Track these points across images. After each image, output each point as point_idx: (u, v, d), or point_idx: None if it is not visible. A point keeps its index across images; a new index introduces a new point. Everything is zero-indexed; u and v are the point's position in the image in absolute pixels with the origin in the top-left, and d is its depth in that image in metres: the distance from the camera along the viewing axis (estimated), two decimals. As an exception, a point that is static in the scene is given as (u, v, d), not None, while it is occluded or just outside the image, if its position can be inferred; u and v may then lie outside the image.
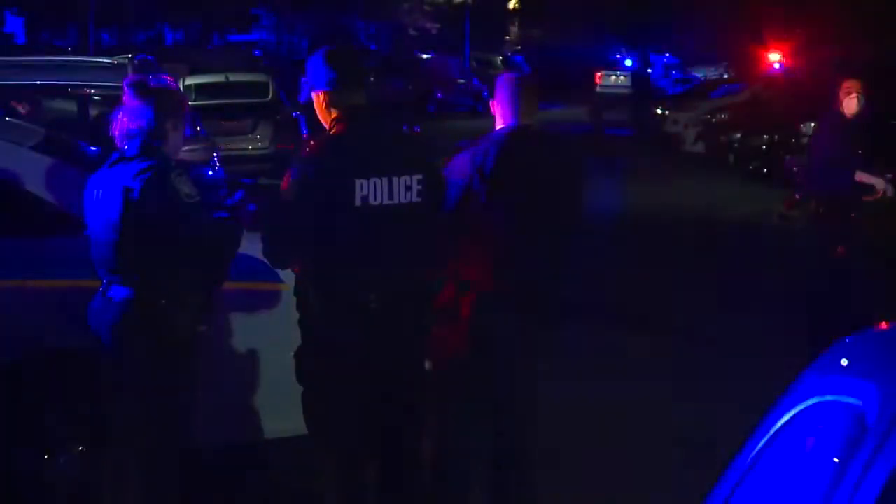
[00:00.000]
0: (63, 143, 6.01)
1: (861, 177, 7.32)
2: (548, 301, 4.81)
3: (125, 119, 4.39)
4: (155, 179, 4.27)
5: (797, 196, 8.01)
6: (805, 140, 12.77)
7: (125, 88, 4.43)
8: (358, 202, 4.09)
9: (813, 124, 9.03)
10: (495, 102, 4.83)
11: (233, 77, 18.40)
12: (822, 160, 7.41)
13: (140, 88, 4.41)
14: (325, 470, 4.30)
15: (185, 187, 4.28)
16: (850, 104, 7.28)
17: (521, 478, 4.85)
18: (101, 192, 4.36)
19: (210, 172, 11.01)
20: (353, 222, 4.10)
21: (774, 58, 28.69)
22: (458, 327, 4.75)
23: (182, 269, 4.32)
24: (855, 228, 7.34)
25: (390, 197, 4.14)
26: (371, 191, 4.11)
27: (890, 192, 7.38)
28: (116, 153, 4.43)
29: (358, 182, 4.09)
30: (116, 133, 4.42)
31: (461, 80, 36.72)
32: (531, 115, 4.82)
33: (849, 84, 7.28)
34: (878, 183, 7.35)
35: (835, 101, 7.38)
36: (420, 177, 4.22)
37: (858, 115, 7.33)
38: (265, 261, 4.38)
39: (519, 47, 53.81)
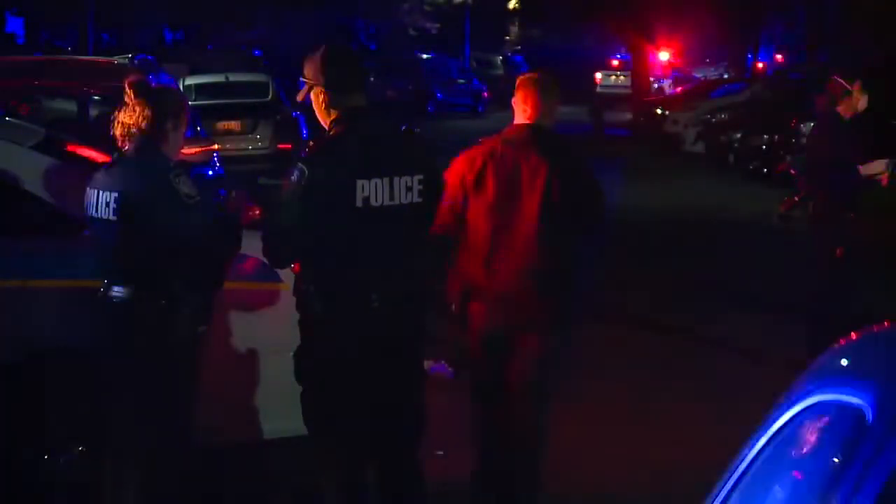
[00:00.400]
0: (63, 143, 6.01)
1: (866, 169, 7.30)
2: (548, 301, 4.81)
3: (126, 119, 4.39)
4: (154, 180, 4.27)
5: (796, 197, 8.00)
6: (805, 140, 12.76)
7: (126, 88, 4.43)
8: (359, 203, 4.09)
9: (812, 124, 9.03)
10: (514, 101, 4.89)
11: (233, 77, 18.40)
12: (822, 160, 7.40)
13: (140, 88, 4.41)
14: (325, 470, 4.31)
15: (185, 188, 4.28)
16: (862, 102, 7.29)
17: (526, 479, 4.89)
18: (100, 192, 4.36)
19: (210, 172, 11.02)
20: (353, 223, 4.10)
21: (775, 58, 28.76)
22: (467, 329, 4.83)
23: (182, 269, 4.32)
24: (853, 228, 7.33)
25: (391, 198, 4.15)
26: (372, 191, 4.11)
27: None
28: (117, 153, 4.43)
29: (359, 183, 4.09)
30: (117, 133, 4.42)
31: (461, 80, 36.74)
32: (545, 115, 4.85)
33: (857, 83, 7.29)
34: (880, 166, 7.32)
35: (835, 101, 7.37)
36: (420, 177, 4.22)
37: (858, 115, 7.33)
38: (265, 261, 4.39)
39: (519, 47, 53.81)
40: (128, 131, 4.39)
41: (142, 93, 4.40)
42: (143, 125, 4.37)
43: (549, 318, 4.82)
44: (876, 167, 7.30)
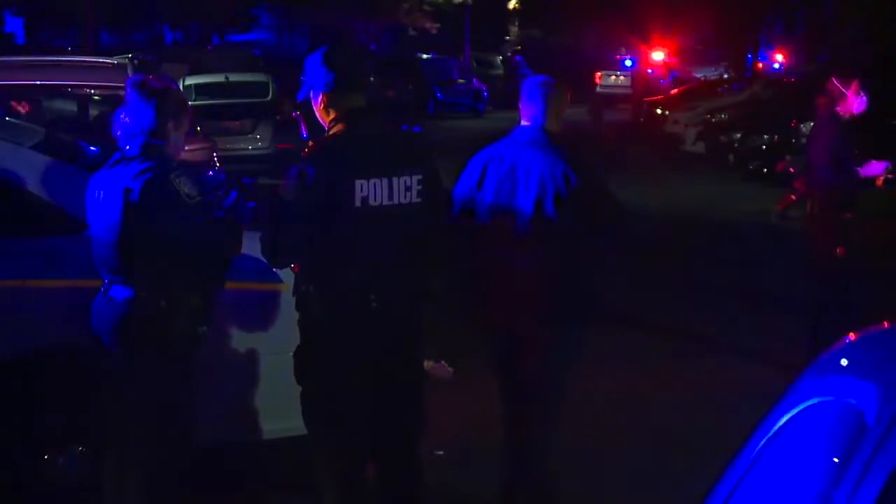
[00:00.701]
0: (63, 143, 6.01)
1: (866, 170, 7.28)
2: (548, 301, 4.81)
3: (127, 119, 4.40)
4: (155, 180, 4.27)
5: (793, 197, 8.00)
6: (805, 140, 12.76)
7: (128, 88, 4.44)
8: (358, 203, 4.09)
9: (812, 124, 9.02)
10: (520, 103, 4.97)
11: (233, 77, 18.42)
12: (820, 161, 7.40)
13: (142, 88, 4.42)
14: (325, 470, 4.31)
15: (186, 188, 4.28)
16: (859, 104, 7.27)
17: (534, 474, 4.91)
18: (102, 192, 4.37)
19: (210, 172, 11.02)
20: (352, 223, 4.10)
21: (775, 58, 28.75)
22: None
23: (182, 269, 4.32)
24: (851, 229, 7.32)
25: (390, 197, 4.15)
26: (371, 191, 4.11)
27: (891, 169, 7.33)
28: (118, 153, 4.43)
29: (358, 183, 4.09)
30: (119, 133, 4.43)
31: (461, 80, 36.70)
32: (550, 117, 4.87)
33: (857, 84, 7.28)
34: (879, 168, 7.31)
35: (834, 102, 7.36)
36: (420, 177, 4.22)
37: (857, 115, 7.32)
38: (265, 261, 4.38)
39: (519, 47, 53.76)
40: (129, 131, 4.39)
41: (143, 93, 4.40)
42: (145, 125, 4.37)
43: (550, 319, 4.82)
44: (874, 169, 7.29)
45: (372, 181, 4.12)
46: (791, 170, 11.67)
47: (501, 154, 4.84)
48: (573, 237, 4.79)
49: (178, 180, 4.28)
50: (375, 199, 4.12)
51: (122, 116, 4.42)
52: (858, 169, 7.25)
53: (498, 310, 4.83)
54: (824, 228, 7.36)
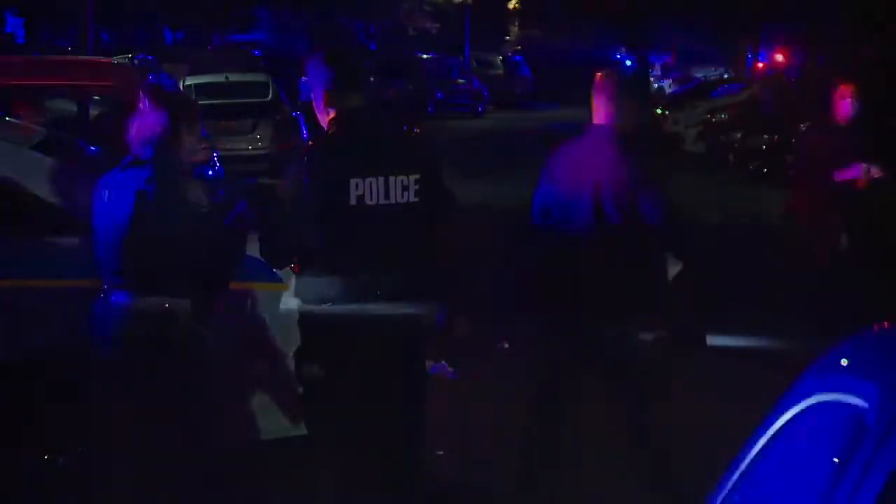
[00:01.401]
0: (63, 143, 6.01)
1: (841, 175, 7.21)
2: (597, 300, 4.85)
3: (140, 124, 4.41)
4: (165, 185, 4.29)
5: (794, 201, 8.00)
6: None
7: (141, 94, 4.47)
8: (353, 201, 4.09)
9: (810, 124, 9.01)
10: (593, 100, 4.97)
11: (233, 77, 18.40)
12: (810, 163, 7.41)
13: (154, 94, 4.45)
14: (325, 469, 4.30)
15: (194, 195, 4.31)
16: (843, 108, 7.24)
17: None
18: (111, 194, 4.37)
19: (210, 172, 11.02)
20: (349, 221, 4.10)
21: (775, 58, 28.72)
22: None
23: (186, 273, 4.33)
24: (844, 230, 7.31)
25: (386, 196, 4.15)
26: (367, 190, 4.11)
27: (876, 172, 7.25)
28: (130, 156, 4.44)
29: (353, 181, 4.09)
30: (132, 138, 4.44)
31: (461, 80, 36.69)
32: (621, 116, 4.84)
33: (842, 88, 7.24)
34: (857, 171, 7.24)
35: (829, 104, 7.35)
36: (417, 176, 4.22)
37: (851, 119, 7.27)
38: (264, 261, 4.39)
39: (519, 47, 53.76)
40: (142, 137, 4.41)
41: (155, 98, 4.43)
42: (158, 130, 4.39)
43: (600, 318, 4.88)
44: (848, 173, 7.22)
45: (367, 180, 4.12)
46: (791, 172, 11.66)
47: (570, 152, 4.90)
48: (636, 235, 4.80)
49: (186, 186, 4.31)
50: (371, 198, 4.12)
51: (135, 122, 4.44)
52: (834, 173, 7.18)
53: (563, 307, 4.88)
54: (816, 229, 7.38)
